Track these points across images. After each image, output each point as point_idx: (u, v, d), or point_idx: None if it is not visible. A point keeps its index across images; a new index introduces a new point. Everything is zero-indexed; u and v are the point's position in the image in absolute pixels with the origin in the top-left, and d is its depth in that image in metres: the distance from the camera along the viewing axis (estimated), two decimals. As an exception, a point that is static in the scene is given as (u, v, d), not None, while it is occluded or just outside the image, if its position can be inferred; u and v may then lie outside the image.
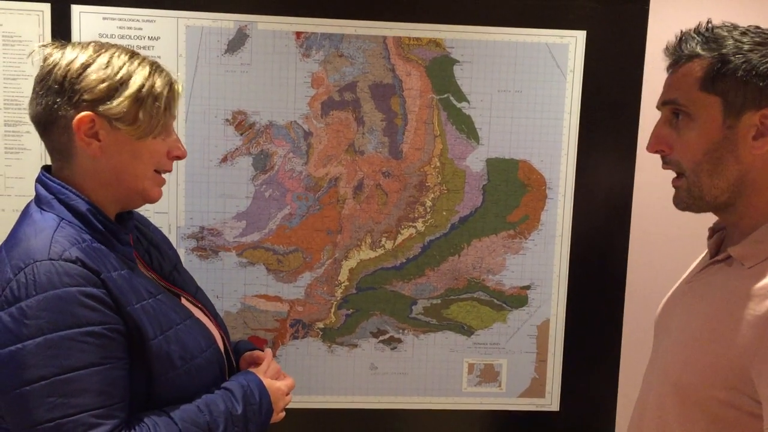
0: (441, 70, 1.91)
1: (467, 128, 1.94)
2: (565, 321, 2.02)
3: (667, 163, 1.16)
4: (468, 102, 1.93)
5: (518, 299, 2.01)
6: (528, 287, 2.00)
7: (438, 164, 1.94)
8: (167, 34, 1.85)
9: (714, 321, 1.07)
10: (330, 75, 1.89)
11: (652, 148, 1.16)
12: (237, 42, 1.87)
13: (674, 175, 1.16)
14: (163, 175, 1.25)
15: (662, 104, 1.15)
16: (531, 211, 1.98)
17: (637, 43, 1.93)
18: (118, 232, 1.19)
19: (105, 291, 1.08)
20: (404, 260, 1.97)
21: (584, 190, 1.98)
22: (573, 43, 1.93)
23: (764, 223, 1.09)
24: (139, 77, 1.16)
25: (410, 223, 1.96)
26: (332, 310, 1.97)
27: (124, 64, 1.16)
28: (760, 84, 1.05)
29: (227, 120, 1.88)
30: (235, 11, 1.86)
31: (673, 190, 1.17)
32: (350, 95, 1.90)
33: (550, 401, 2.05)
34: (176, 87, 1.22)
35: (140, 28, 1.84)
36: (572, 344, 2.03)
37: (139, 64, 1.17)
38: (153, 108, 1.16)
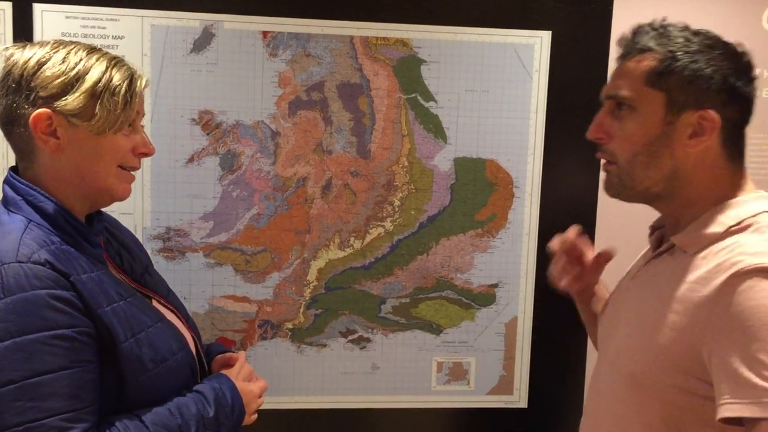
0: (408, 70, 1.92)
1: (435, 128, 1.95)
2: (532, 318, 2.04)
3: (602, 152, 1.19)
4: (435, 101, 1.94)
5: (486, 297, 2.02)
6: (496, 285, 2.02)
7: (406, 164, 1.95)
8: (131, 34, 1.82)
9: (662, 308, 1.10)
10: (297, 74, 1.89)
11: (591, 134, 1.19)
12: (203, 41, 1.85)
13: None
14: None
15: (606, 97, 1.19)
16: (498, 210, 2.00)
17: (601, 43, 1.96)
18: (88, 234, 1.17)
19: (74, 294, 1.07)
20: (373, 260, 1.97)
21: (551, 188, 2.00)
22: (538, 43, 1.95)
23: (699, 213, 1.13)
24: (95, 72, 1.14)
25: (379, 223, 1.96)
26: (301, 310, 1.96)
27: (81, 59, 1.14)
28: (704, 86, 1.09)
29: (194, 120, 1.87)
30: (201, 10, 1.84)
31: None
32: (318, 95, 1.90)
33: (518, 398, 2.07)
34: (138, 82, 1.19)
35: (104, 27, 1.81)
36: (539, 341, 2.05)
37: (97, 59, 1.16)
38: (110, 103, 1.14)
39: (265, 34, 1.87)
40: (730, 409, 0.96)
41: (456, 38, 1.93)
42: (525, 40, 1.95)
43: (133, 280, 1.29)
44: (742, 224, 1.09)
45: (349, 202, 1.94)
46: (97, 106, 1.13)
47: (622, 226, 2.02)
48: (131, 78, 1.18)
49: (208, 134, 1.88)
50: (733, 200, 1.12)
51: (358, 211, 1.95)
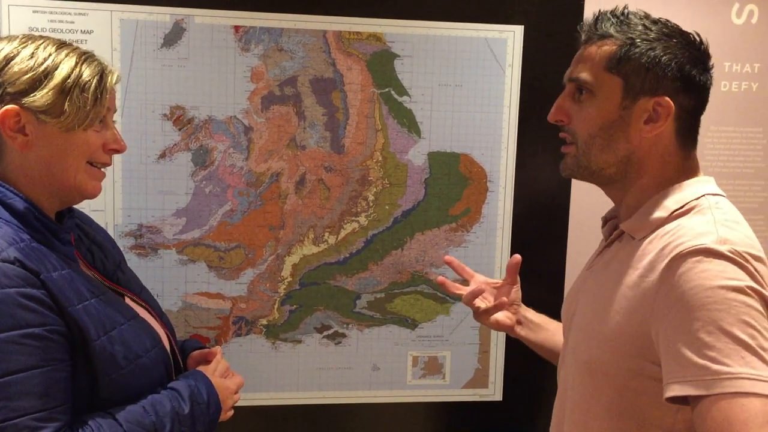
0: (382, 65, 1.92)
1: (408, 122, 1.95)
2: (507, 312, 2.05)
3: (564, 132, 1.22)
4: (409, 96, 1.94)
5: (461, 291, 2.02)
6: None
7: (380, 158, 1.94)
8: (100, 28, 1.80)
9: (613, 294, 1.13)
10: (270, 69, 1.88)
11: (552, 117, 1.23)
12: (173, 36, 1.83)
13: None
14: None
15: (568, 80, 1.22)
16: (473, 204, 2.00)
17: (573, 38, 1.95)
18: (58, 231, 1.16)
19: (45, 292, 1.05)
20: (347, 255, 1.97)
21: (524, 182, 2.01)
22: (511, 37, 1.95)
23: (647, 199, 1.17)
24: (65, 67, 1.12)
25: (353, 218, 1.96)
26: (275, 307, 1.95)
27: (50, 55, 1.13)
28: (660, 73, 1.12)
29: (165, 115, 1.85)
30: (171, 4, 1.82)
31: None
32: (291, 90, 1.89)
33: (493, 391, 2.08)
34: (109, 77, 1.18)
35: (72, 22, 1.79)
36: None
37: (66, 55, 1.14)
38: (80, 99, 1.12)
39: (236, 28, 1.85)
40: (674, 388, 0.98)
41: (429, 32, 1.92)
42: (498, 34, 1.95)
43: (105, 277, 1.28)
44: (685, 207, 1.12)
45: (323, 197, 1.94)
46: (67, 103, 1.12)
47: (595, 219, 2.03)
48: (102, 73, 1.16)
49: (179, 130, 1.86)
50: (677, 185, 1.15)
51: (333, 206, 1.94)
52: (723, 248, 1.01)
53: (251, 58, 1.87)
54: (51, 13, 1.77)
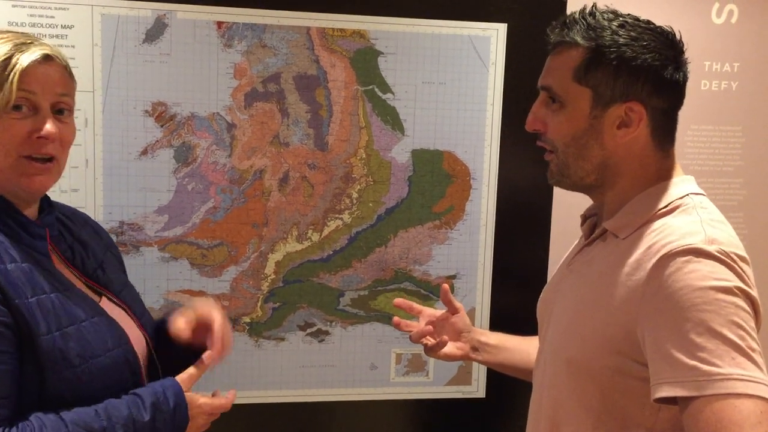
0: (365, 62, 1.91)
1: (392, 120, 1.94)
2: (489, 309, 2.06)
3: (542, 141, 1.21)
4: (393, 93, 1.94)
5: (444, 289, 2.03)
6: (454, 276, 2.03)
7: (364, 156, 1.94)
8: (81, 23, 1.78)
9: (596, 292, 1.13)
10: (253, 66, 1.87)
11: (529, 126, 1.22)
12: (155, 31, 1.81)
13: None
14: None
15: (541, 88, 1.21)
16: (456, 202, 2.01)
17: (556, 36, 1.98)
18: (28, 225, 1.14)
19: None
20: (331, 252, 1.96)
21: (507, 180, 2.02)
22: (494, 35, 1.96)
23: (629, 199, 1.16)
24: None
25: (337, 215, 1.95)
26: (258, 304, 1.95)
27: None
28: (629, 79, 1.11)
29: (147, 111, 1.83)
30: (154, -1, 1.81)
31: None
32: (274, 86, 1.88)
33: (477, 388, 2.09)
34: (20, 57, 1.09)
35: (52, 17, 1.76)
36: (497, 332, 2.07)
37: (3, 42, 1.10)
38: None
39: (219, 24, 1.84)
40: (663, 389, 0.98)
41: (413, 30, 1.92)
42: (481, 32, 1.96)
43: (85, 275, 1.26)
44: (670, 206, 1.12)
45: (307, 194, 1.93)
46: None
47: (577, 216, 2.05)
48: (11, 55, 1.09)
49: (162, 126, 1.84)
50: (661, 184, 1.15)
51: (316, 203, 1.94)
52: (711, 248, 1.01)
53: (234, 54, 1.85)
54: (31, 7, 1.75)
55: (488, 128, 1.99)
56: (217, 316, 1.29)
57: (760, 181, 2.13)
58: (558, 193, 2.03)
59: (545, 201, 2.04)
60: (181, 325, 1.26)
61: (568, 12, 1.94)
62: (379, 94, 1.93)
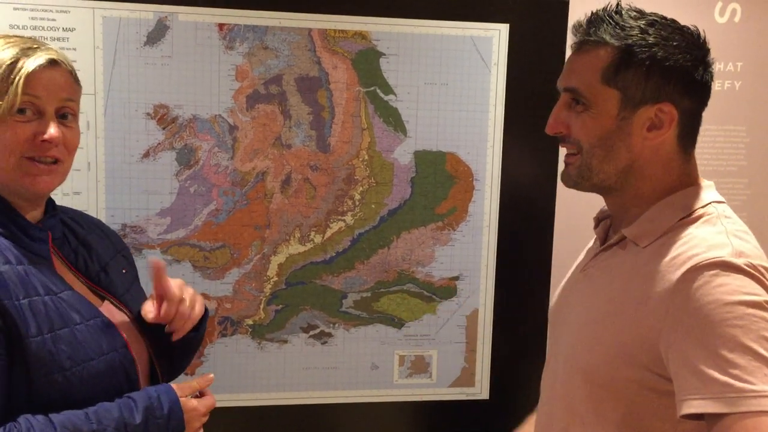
0: (367, 63, 1.91)
1: (394, 121, 1.94)
2: (493, 310, 2.05)
3: (566, 143, 1.17)
4: (395, 95, 1.93)
5: (447, 290, 2.02)
6: (457, 278, 2.02)
7: (366, 157, 1.94)
8: (83, 26, 1.78)
9: (616, 301, 1.10)
10: (255, 68, 1.86)
11: (551, 129, 1.17)
12: (157, 34, 1.81)
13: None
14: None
15: (563, 90, 1.17)
16: (459, 203, 2.00)
17: (558, 36, 1.97)
18: (28, 228, 1.14)
19: None
20: (334, 254, 1.96)
21: (510, 181, 2.01)
22: (497, 36, 1.95)
23: (648, 205, 1.13)
24: None
25: (339, 217, 1.95)
26: (261, 306, 1.94)
27: None
28: (660, 80, 1.08)
29: (148, 114, 1.83)
30: (155, 2, 1.80)
31: None
32: (276, 88, 1.88)
33: (480, 390, 2.08)
34: (24, 62, 1.10)
35: (54, 19, 1.76)
36: (500, 333, 2.07)
37: (6, 48, 1.10)
38: None
39: (221, 26, 1.84)
40: (693, 405, 0.95)
41: (415, 31, 1.92)
42: (483, 33, 1.95)
43: (89, 278, 1.26)
44: (693, 215, 1.09)
45: (309, 196, 1.93)
46: None
47: (580, 217, 2.04)
48: (17, 60, 1.10)
49: (163, 129, 1.84)
50: (683, 191, 1.13)
51: (319, 205, 1.93)
52: (740, 261, 0.99)
53: (236, 56, 1.85)
54: (32, 10, 1.75)
55: (491, 129, 1.98)
56: (173, 283, 1.28)
57: (764, 181, 2.12)
58: (561, 194, 2.02)
59: (548, 202, 2.03)
60: (146, 307, 1.25)
61: (570, 13, 1.95)
62: (381, 95, 1.93)
